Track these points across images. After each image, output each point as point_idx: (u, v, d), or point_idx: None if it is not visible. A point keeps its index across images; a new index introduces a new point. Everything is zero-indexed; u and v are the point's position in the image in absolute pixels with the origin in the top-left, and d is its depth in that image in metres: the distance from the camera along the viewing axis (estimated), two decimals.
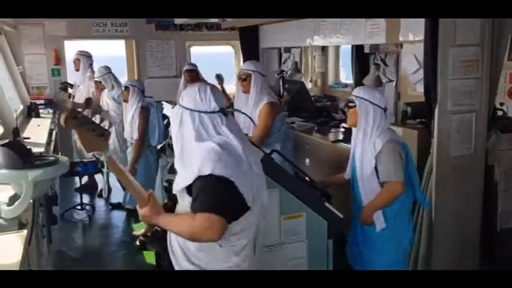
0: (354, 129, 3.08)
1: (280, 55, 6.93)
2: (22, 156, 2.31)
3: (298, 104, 6.02)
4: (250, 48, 6.45)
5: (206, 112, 1.99)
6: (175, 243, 2.10)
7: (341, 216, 2.79)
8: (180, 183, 1.98)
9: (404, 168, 2.93)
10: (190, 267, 2.04)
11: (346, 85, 7.24)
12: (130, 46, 7.68)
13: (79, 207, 5.59)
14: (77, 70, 6.57)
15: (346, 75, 7.54)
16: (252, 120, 3.77)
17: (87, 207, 5.65)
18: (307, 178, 2.97)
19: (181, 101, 2.04)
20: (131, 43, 7.63)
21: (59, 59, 7.15)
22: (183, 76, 6.32)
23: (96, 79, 6.00)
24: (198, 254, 2.03)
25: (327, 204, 2.77)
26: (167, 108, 4.49)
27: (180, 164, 2.00)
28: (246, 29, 6.34)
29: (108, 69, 5.88)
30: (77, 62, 6.52)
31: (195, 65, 6.33)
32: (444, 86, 3.38)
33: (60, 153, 6.44)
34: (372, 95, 2.94)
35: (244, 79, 3.91)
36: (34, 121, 5.63)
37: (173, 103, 4.64)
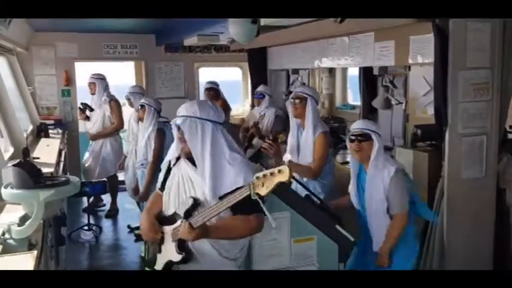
0: (354, 160, 3.13)
1: (289, 76, 6.96)
2: (33, 176, 2.31)
3: None
4: (258, 69, 6.48)
5: (218, 122, 2.28)
6: None
7: (352, 239, 2.76)
8: (217, 192, 2.17)
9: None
10: (213, 251, 2.26)
11: (353, 107, 7.23)
12: (140, 67, 7.76)
13: (86, 227, 5.57)
14: (93, 94, 6.41)
15: (353, 97, 7.55)
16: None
17: (94, 227, 5.63)
18: (318, 200, 2.95)
19: (201, 114, 2.23)
20: (140, 64, 7.71)
21: (69, 80, 7.22)
22: (204, 94, 6.33)
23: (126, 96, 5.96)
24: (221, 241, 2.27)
25: (338, 227, 2.74)
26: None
27: (212, 175, 2.18)
28: (254, 50, 6.39)
29: (142, 90, 5.78)
30: (92, 85, 6.36)
31: (215, 83, 6.28)
32: (455, 108, 3.37)
33: (68, 173, 6.47)
34: (375, 126, 3.07)
35: (298, 103, 3.74)
36: (43, 141, 5.66)
37: None
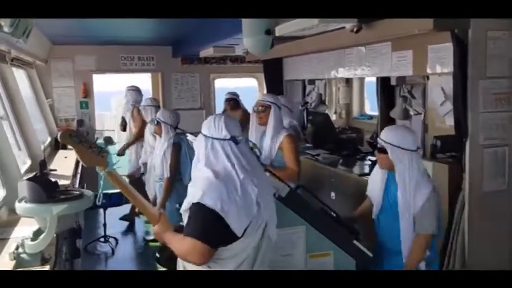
0: (379, 169, 2.92)
1: (304, 87, 6.92)
2: (47, 190, 2.30)
3: (323, 136, 5.95)
4: (274, 80, 6.45)
5: (218, 139, 2.13)
6: None
7: (370, 254, 2.69)
8: (183, 206, 2.14)
9: None
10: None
11: (371, 117, 7.15)
12: (156, 79, 7.81)
13: (102, 239, 5.58)
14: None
15: (371, 107, 7.46)
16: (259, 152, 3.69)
17: (111, 239, 5.63)
18: (334, 214, 2.88)
19: (202, 129, 2.21)
20: (157, 76, 7.76)
21: (87, 92, 7.30)
22: (224, 105, 6.36)
23: (139, 106, 6.02)
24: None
25: (355, 242, 2.68)
26: (192, 139, 4.40)
27: (189, 188, 2.16)
28: (269, 61, 6.36)
29: (154, 102, 5.82)
30: (131, 94, 6.55)
31: (235, 93, 6.34)
32: (475, 119, 3.28)
33: (85, 184, 6.51)
34: (402, 139, 2.72)
35: (262, 111, 3.83)
36: (61, 153, 5.69)
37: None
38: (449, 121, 3.86)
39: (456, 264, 3.38)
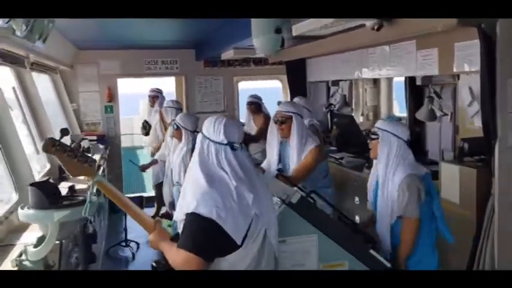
0: (374, 162, 3.06)
1: (328, 88, 6.76)
2: (49, 196, 2.25)
3: (347, 139, 5.79)
4: (297, 82, 6.31)
5: (214, 142, 2.05)
6: None
7: (388, 265, 2.54)
8: (177, 214, 2.07)
9: (424, 203, 2.82)
10: None
11: (400, 119, 6.89)
12: (180, 82, 7.80)
13: (124, 243, 5.56)
14: (152, 106, 6.69)
15: (400, 109, 7.23)
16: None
17: (132, 243, 5.61)
18: (350, 221, 2.74)
19: (202, 128, 2.15)
20: (180, 79, 7.75)
21: (112, 96, 7.35)
22: (246, 110, 6.28)
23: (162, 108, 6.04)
24: None
25: (372, 252, 2.53)
26: None
27: (182, 192, 2.09)
28: (292, 62, 6.23)
29: (176, 105, 5.79)
30: (155, 99, 6.63)
31: (257, 97, 6.23)
32: (504, 119, 3.06)
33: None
34: (394, 127, 2.95)
35: (283, 122, 3.59)
36: None
37: None
38: (478, 122, 3.64)
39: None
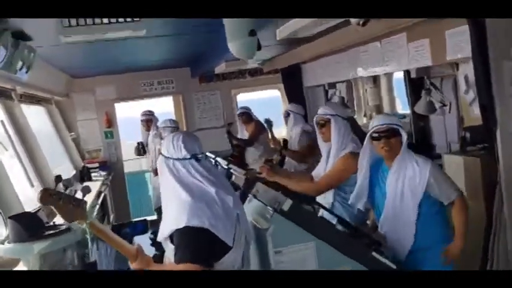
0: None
1: (326, 92, 6.65)
2: (29, 228, 2.16)
3: None
4: (294, 88, 6.26)
5: (178, 159, 2.08)
6: None
7: (394, 266, 2.40)
8: (162, 233, 2.06)
9: None
10: None
11: (404, 116, 6.75)
12: (178, 101, 7.74)
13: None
14: (148, 130, 6.52)
15: (403, 105, 7.09)
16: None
17: None
18: (350, 225, 2.61)
19: (162, 149, 2.16)
20: (178, 98, 7.69)
21: (111, 122, 7.30)
22: (238, 121, 6.27)
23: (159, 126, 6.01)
24: None
25: (375, 255, 2.39)
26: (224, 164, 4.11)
27: (163, 213, 2.11)
28: (287, 69, 6.17)
29: (173, 123, 5.79)
30: (149, 122, 6.48)
31: (246, 107, 6.29)
32: (504, 104, 2.92)
33: (113, 214, 6.46)
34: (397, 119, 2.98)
35: (322, 125, 3.47)
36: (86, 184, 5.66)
37: (217, 154, 4.44)
38: (477, 110, 3.51)
39: (500, 264, 3.01)
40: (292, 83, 6.26)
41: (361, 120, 7.23)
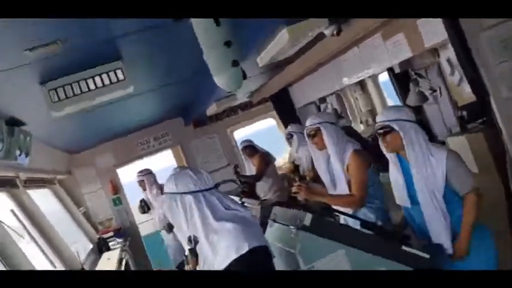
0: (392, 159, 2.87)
1: (319, 108, 6.72)
2: None
3: None
4: (286, 112, 6.33)
5: (206, 190, 2.06)
6: None
7: (427, 256, 2.38)
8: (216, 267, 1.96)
9: None
10: None
11: None
12: (177, 152, 7.79)
13: None
14: (144, 190, 6.34)
15: (394, 103, 7.15)
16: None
17: None
18: (374, 225, 2.60)
19: (178, 188, 2.06)
20: (177, 149, 7.74)
21: (117, 188, 7.31)
22: (242, 155, 6.19)
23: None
24: None
25: (405, 248, 2.37)
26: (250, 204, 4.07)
27: (207, 249, 1.99)
28: (276, 95, 6.25)
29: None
30: (141, 183, 6.30)
31: (248, 140, 6.10)
32: (490, 73, 2.96)
33: None
34: (400, 112, 2.80)
35: (313, 135, 3.44)
36: (105, 255, 5.65)
37: (229, 193, 4.44)
38: (467, 88, 3.55)
39: None
40: (284, 107, 6.33)
41: (359, 128, 7.27)
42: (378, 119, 2.85)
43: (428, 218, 2.63)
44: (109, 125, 5.89)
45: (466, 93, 3.97)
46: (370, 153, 5.31)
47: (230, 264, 1.89)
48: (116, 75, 3.03)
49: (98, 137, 6.47)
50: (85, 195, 7.16)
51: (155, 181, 6.25)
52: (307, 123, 3.53)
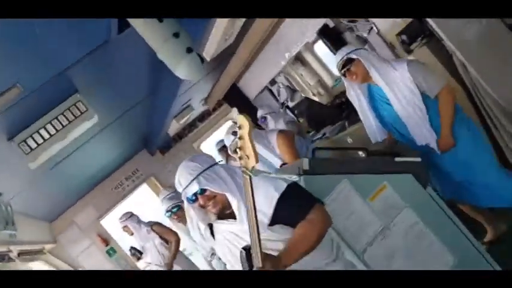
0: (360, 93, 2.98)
1: (271, 91, 6.88)
2: None
3: (318, 117, 5.86)
4: (245, 107, 6.41)
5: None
6: None
7: (419, 159, 2.55)
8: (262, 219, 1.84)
9: None
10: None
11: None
12: (153, 184, 7.76)
13: None
14: (132, 235, 6.32)
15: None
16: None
17: None
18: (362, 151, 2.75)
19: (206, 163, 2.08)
20: (152, 181, 7.71)
21: (107, 239, 7.22)
22: (220, 156, 6.17)
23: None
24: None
25: (398, 159, 2.54)
26: None
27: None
28: (228, 95, 6.35)
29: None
30: (126, 229, 5.95)
31: (222, 140, 6.00)
32: None
33: None
34: (353, 45, 3.07)
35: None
36: None
37: None
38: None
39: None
40: (241, 104, 6.43)
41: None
42: (336, 60, 2.95)
43: (412, 126, 2.78)
44: (80, 178, 5.85)
45: (398, 22, 4.17)
46: (340, 112, 5.52)
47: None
48: (78, 109, 3.08)
49: (73, 193, 6.40)
50: (78, 256, 7.03)
51: (139, 221, 5.92)
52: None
